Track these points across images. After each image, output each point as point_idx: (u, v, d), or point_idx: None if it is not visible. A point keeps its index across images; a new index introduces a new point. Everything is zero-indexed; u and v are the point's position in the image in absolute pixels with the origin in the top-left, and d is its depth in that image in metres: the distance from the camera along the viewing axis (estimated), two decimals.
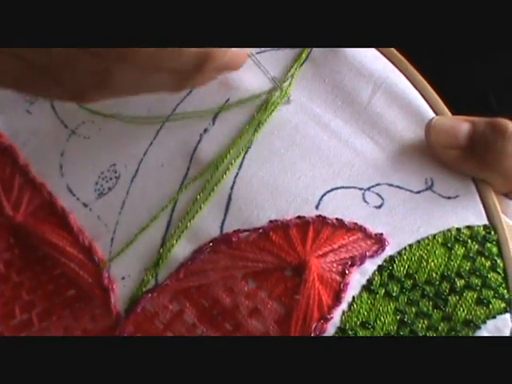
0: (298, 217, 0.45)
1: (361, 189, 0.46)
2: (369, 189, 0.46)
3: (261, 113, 0.48)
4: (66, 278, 0.46)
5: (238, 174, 0.47)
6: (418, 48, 0.49)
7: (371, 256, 0.44)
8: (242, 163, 0.47)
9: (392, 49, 0.50)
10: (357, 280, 0.44)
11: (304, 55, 0.50)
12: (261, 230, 0.45)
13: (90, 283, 0.46)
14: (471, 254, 0.45)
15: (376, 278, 0.44)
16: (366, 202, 0.46)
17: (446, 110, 0.49)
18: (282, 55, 0.51)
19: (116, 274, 0.46)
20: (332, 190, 0.46)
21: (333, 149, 0.47)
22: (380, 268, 0.44)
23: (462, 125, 0.46)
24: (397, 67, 0.50)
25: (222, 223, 0.46)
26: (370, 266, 0.44)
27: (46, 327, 0.46)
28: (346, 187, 0.46)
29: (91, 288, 0.45)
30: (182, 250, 0.46)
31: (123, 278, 0.46)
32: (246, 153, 0.47)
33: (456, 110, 0.49)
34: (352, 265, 0.44)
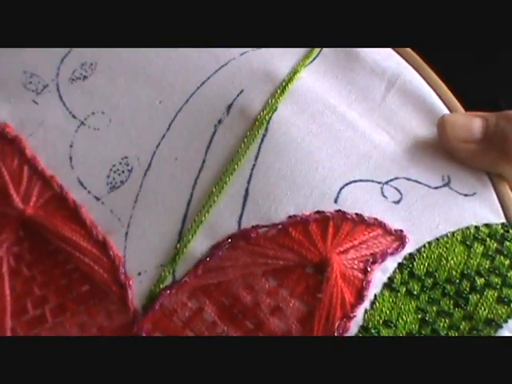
0: (318, 212, 0.44)
1: (379, 182, 0.46)
2: (387, 183, 0.46)
3: (275, 98, 0.47)
4: (79, 272, 0.45)
5: (254, 165, 0.46)
6: (426, 50, 0.49)
7: (392, 253, 0.44)
8: (258, 154, 0.46)
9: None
10: (378, 278, 0.44)
11: (316, 50, 0.50)
12: (280, 226, 0.44)
13: (105, 279, 0.45)
14: (490, 253, 0.45)
15: (397, 276, 0.44)
16: (384, 196, 0.45)
17: (459, 106, 0.48)
18: (294, 49, 0.50)
19: (132, 270, 0.45)
20: (350, 182, 0.46)
21: (350, 140, 0.47)
22: (400, 266, 0.44)
23: (475, 119, 0.46)
24: (410, 64, 0.50)
25: (240, 218, 0.45)
26: (391, 264, 0.44)
27: (60, 323, 0.44)
28: (364, 180, 0.46)
29: (107, 284, 0.44)
30: (199, 245, 0.45)
31: (139, 274, 0.45)
32: (261, 142, 0.46)
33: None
34: (373, 262, 0.44)
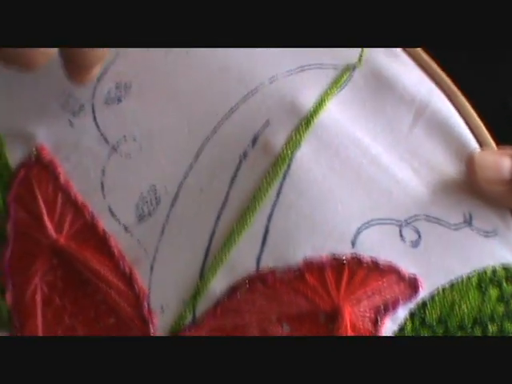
0: (334, 257, 0.45)
1: (398, 221, 0.46)
2: (406, 221, 0.46)
3: (300, 133, 0.48)
4: (106, 304, 0.48)
5: (275, 202, 0.47)
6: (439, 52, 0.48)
7: (404, 301, 0.45)
8: (280, 191, 0.47)
9: (439, 71, 0.49)
10: (389, 327, 0.45)
11: (345, 77, 0.49)
12: (296, 271, 0.45)
13: (129, 313, 0.47)
14: (505, 296, 0.45)
15: (408, 324, 0.45)
16: (402, 238, 0.46)
17: (490, 141, 0.48)
18: (323, 75, 0.50)
19: (155, 303, 0.47)
20: (369, 222, 0.46)
21: (372, 175, 0.47)
22: (412, 315, 0.45)
23: (505, 159, 0.46)
24: (442, 91, 0.49)
25: (259, 257, 0.46)
26: (402, 312, 0.45)
27: None
28: (383, 219, 0.46)
29: (131, 318, 0.47)
30: (218, 283, 0.46)
31: (162, 308, 0.47)
32: (283, 179, 0.47)
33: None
34: (385, 310, 0.45)
